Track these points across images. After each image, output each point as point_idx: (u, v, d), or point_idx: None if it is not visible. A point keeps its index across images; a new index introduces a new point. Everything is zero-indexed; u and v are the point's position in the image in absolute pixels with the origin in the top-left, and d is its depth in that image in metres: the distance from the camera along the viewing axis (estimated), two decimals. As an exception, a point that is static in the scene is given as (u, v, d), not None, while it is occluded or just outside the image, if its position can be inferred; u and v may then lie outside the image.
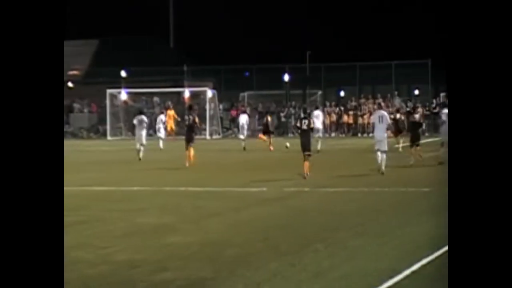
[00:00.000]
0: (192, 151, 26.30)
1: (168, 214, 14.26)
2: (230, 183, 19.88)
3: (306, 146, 21.57)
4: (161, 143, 37.51)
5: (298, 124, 22.28)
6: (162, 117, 40.36)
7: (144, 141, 30.56)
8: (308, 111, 27.82)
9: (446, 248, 10.17)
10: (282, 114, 53.74)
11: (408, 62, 53.08)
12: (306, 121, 21.83)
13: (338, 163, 25.59)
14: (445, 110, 25.81)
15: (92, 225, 13.00)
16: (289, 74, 56.76)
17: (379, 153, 22.28)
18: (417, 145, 25.64)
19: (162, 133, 39.40)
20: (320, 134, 35.94)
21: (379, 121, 22.75)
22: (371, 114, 50.27)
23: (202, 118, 51.89)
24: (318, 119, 35.30)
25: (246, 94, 59.81)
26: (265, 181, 20.08)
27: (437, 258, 9.76)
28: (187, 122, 27.66)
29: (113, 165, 27.84)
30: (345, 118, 54.05)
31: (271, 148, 34.21)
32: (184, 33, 73.50)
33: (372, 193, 17.35)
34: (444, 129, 24.65)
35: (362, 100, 53.37)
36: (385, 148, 22.28)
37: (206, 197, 17.00)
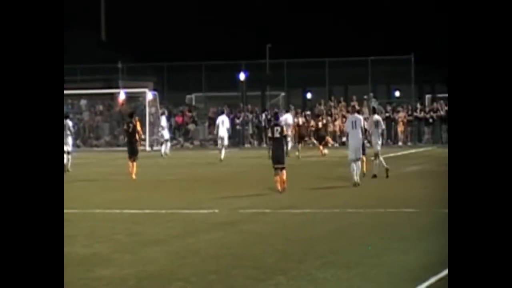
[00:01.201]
0: (135, 167, 27.43)
1: (99, 242, 14.21)
2: (175, 204, 19.87)
3: (279, 158, 21.94)
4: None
5: (270, 133, 22.70)
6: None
7: (70, 149, 31.16)
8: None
9: (431, 280, 10.35)
10: (237, 121, 53.86)
11: (387, 58, 53.43)
12: (279, 128, 22.22)
13: (305, 179, 25.75)
14: (376, 116, 27.18)
15: (6, 256, 12.90)
16: (246, 72, 56.83)
17: (353, 164, 23.26)
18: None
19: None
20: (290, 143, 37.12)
21: (353, 126, 23.62)
22: (344, 119, 50.81)
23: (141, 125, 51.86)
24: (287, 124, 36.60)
25: (193, 96, 59.81)
26: (216, 201, 20.12)
27: (421, 292, 9.92)
28: (126, 129, 28.50)
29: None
30: (312, 125, 54.36)
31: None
32: (118, 23, 73.12)
33: (344, 215, 17.51)
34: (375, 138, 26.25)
35: (332, 103, 53.72)
36: (360, 155, 23.77)
37: (145, 221, 16.98)
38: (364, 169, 25.24)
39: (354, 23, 72.53)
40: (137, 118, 44.07)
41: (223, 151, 36.71)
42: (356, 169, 23.30)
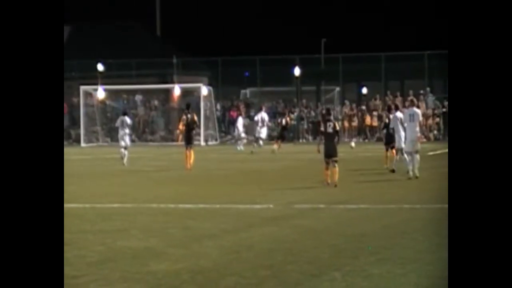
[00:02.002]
0: (192, 154, 29.48)
1: (153, 236, 14.29)
2: (229, 199, 19.92)
3: (331, 152, 22.59)
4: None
5: (322, 128, 23.28)
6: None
7: (128, 143, 32.86)
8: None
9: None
10: (292, 116, 53.79)
11: (444, 52, 52.83)
12: (331, 124, 22.90)
13: (360, 175, 25.61)
14: (398, 114, 27.17)
15: (61, 249, 13.03)
16: (301, 67, 56.69)
17: (406, 156, 24.26)
18: (392, 147, 27.48)
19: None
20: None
21: (410, 119, 24.59)
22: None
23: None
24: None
25: (248, 91, 59.89)
26: (270, 196, 20.13)
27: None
28: (184, 122, 30.53)
29: (88, 177, 27.91)
30: (367, 120, 54.09)
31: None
32: (173, 18, 73.56)
33: (399, 211, 17.38)
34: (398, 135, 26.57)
35: (389, 98, 53.36)
36: (418, 147, 24.38)
37: (199, 216, 17.03)
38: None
39: (410, 16, 71.94)
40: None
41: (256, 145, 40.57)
42: (412, 162, 23.98)
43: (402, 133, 26.05)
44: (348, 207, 18.24)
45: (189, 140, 30.20)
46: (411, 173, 24.01)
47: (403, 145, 25.87)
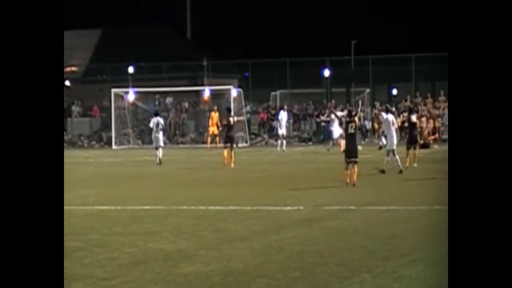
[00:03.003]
0: (232, 154, 31.84)
1: (184, 238, 14.35)
2: (259, 201, 19.93)
3: (352, 152, 23.03)
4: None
5: (344, 127, 24.15)
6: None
7: (161, 143, 34.72)
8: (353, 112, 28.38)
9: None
10: (322, 118, 53.71)
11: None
12: (353, 124, 23.39)
13: (391, 176, 25.52)
14: (390, 116, 28.00)
15: (93, 251, 13.12)
16: (330, 68, 56.62)
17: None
18: (415, 147, 29.28)
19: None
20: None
21: None
22: (430, 117, 50.17)
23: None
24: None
25: (278, 93, 59.85)
26: (301, 197, 20.13)
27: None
28: (226, 123, 33.65)
29: (119, 179, 28.06)
30: (397, 121, 53.88)
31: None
32: (203, 21, 73.77)
33: (430, 212, 17.28)
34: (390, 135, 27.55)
35: (418, 99, 53.11)
36: None
37: (229, 218, 17.06)
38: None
39: (440, 17, 71.60)
40: (215, 110, 46.59)
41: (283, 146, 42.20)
42: None
43: (394, 135, 27.15)
44: (378, 208, 18.18)
45: (231, 140, 32.71)
46: None
47: (394, 147, 26.78)
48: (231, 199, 20.47)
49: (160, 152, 34.05)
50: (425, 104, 52.46)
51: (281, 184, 24.53)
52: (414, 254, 12.17)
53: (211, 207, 18.92)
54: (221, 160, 32.66)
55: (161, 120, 35.54)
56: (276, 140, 47.37)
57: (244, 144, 51.17)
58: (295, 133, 54.78)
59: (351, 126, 23.35)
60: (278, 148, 43.30)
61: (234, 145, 33.17)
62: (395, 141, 26.96)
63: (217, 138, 50.82)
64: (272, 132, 54.78)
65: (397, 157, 26.58)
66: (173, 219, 16.98)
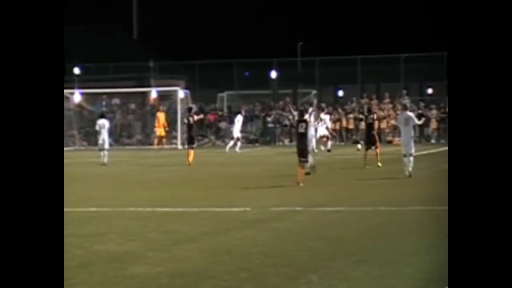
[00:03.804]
0: (192, 154, 32.74)
1: (131, 240, 14.30)
2: (207, 202, 19.93)
3: (302, 152, 23.57)
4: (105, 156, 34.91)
5: (295, 127, 24.78)
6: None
7: (107, 146, 34.51)
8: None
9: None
10: (269, 119, 53.85)
11: (419, 55, 53.12)
12: (303, 124, 23.78)
13: (338, 177, 25.72)
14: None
15: (39, 254, 13.01)
16: (277, 70, 56.81)
17: (405, 159, 25.47)
18: (369, 148, 29.87)
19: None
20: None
21: (405, 123, 25.87)
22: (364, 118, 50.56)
23: (172, 124, 52.13)
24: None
25: (225, 94, 59.89)
26: (248, 199, 20.17)
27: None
28: (186, 123, 34.38)
29: (65, 181, 27.81)
30: (343, 122, 54.21)
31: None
32: (150, 22, 73.46)
33: (376, 213, 17.46)
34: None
35: (364, 101, 53.55)
36: (412, 151, 25.52)
37: (177, 219, 17.04)
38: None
39: (387, 20, 72.23)
40: (161, 111, 46.78)
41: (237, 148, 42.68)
42: (407, 163, 25.31)
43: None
44: (326, 209, 18.31)
45: (191, 140, 33.62)
46: (407, 173, 25.24)
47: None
48: (179, 201, 20.45)
49: (105, 155, 33.94)
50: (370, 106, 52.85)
51: (229, 185, 24.57)
52: (360, 254, 12.29)
53: (158, 209, 18.87)
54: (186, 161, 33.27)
55: (106, 122, 35.45)
56: (224, 141, 47.40)
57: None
58: (242, 134, 54.81)
59: (301, 126, 23.74)
60: (227, 149, 43.22)
61: (194, 145, 33.88)
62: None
63: (164, 140, 50.74)
64: (219, 133, 54.82)
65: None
66: (121, 221, 16.91)
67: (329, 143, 41.16)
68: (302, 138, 23.96)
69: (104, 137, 34.35)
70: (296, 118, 24.56)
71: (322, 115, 40.64)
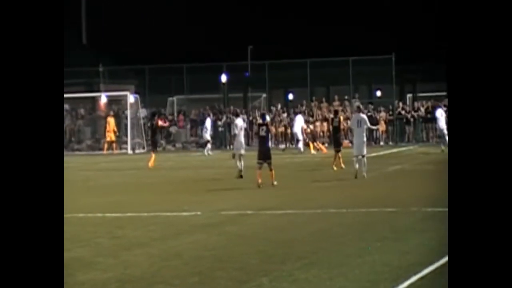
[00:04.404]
0: (153, 157, 33.92)
1: (80, 246, 14.19)
2: (157, 207, 19.86)
3: (265, 154, 24.27)
4: None
5: (256, 131, 25.93)
6: None
7: None
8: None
9: (411, 279, 10.41)
10: (219, 123, 53.81)
11: (368, 58, 53.51)
12: (264, 127, 24.76)
13: (288, 180, 25.78)
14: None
15: (-13, 262, 12.85)
16: (227, 74, 56.84)
17: (355, 159, 25.74)
18: (339, 151, 29.74)
19: None
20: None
21: (358, 125, 26.17)
22: (324, 120, 50.87)
23: (122, 129, 51.85)
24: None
25: (175, 98, 59.71)
26: (199, 203, 20.14)
27: (402, 291, 9.96)
28: (150, 126, 37.05)
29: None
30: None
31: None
32: (98, 26, 73.02)
33: (326, 216, 17.55)
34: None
35: (313, 103, 53.81)
36: (364, 152, 25.80)
37: (127, 225, 16.96)
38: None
39: (335, 23, 72.67)
40: (111, 116, 46.90)
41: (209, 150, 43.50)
42: (359, 165, 25.58)
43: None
44: (276, 212, 18.36)
45: (155, 144, 35.57)
46: (362, 174, 25.44)
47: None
48: (128, 206, 20.33)
49: None
50: (320, 108, 53.16)
51: (180, 189, 24.51)
52: (310, 257, 12.34)
53: (108, 214, 18.76)
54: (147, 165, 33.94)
55: None
56: (175, 146, 47.29)
57: (141, 150, 50.84)
58: (192, 138, 54.71)
59: (262, 129, 24.64)
60: (206, 153, 43.56)
61: (157, 148, 35.44)
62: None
63: (114, 144, 50.46)
64: (170, 138, 54.65)
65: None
66: (70, 227, 16.69)
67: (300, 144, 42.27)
68: (263, 141, 24.65)
69: None
70: (259, 122, 25.29)
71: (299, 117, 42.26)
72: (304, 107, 52.77)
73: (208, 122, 46.88)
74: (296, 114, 47.40)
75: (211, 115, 51.45)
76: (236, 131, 27.89)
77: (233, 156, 27.72)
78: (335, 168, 29.25)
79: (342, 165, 29.24)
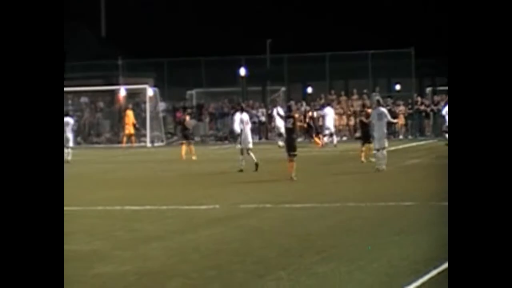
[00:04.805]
0: (192, 149, 35.00)
1: (99, 239, 14.21)
2: (175, 200, 19.87)
3: (291, 146, 24.34)
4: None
5: (284, 124, 25.83)
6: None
7: (71, 143, 34.91)
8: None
9: (430, 274, 10.35)
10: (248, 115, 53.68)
11: (387, 52, 53.30)
12: (291, 120, 24.68)
13: (306, 173, 25.73)
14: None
15: (6, 254, 12.88)
16: (246, 67, 56.78)
17: (376, 152, 26.21)
18: (369, 143, 29.42)
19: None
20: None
21: (379, 118, 26.51)
22: (343, 114, 50.76)
23: (140, 121, 51.93)
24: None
25: (194, 92, 59.71)
26: (217, 196, 20.14)
27: (421, 285, 9.89)
28: (180, 122, 38.30)
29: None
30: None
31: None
32: (118, 19, 73.12)
33: (345, 209, 17.50)
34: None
35: (333, 97, 53.67)
36: (385, 145, 26.35)
37: (145, 218, 16.97)
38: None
39: (355, 16, 72.46)
40: (130, 109, 47.52)
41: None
42: (381, 157, 26.00)
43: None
44: (294, 206, 18.31)
45: (186, 137, 35.94)
46: (382, 167, 25.81)
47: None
48: (147, 199, 20.35)
49: (69, 152, 33.93)
50: (339, 102, 53.05)
51: (198, 182, 24.51)
52: (328, 251, 12.30)
53: (127, 207, 18.78)
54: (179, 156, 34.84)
55: (70, 120, 36.23)
56: (194, 139, 47.31)
57: (160, 143, 50.92)
58: (211, 132, 54.75)
59: (289, 122, 24.66)
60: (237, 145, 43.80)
61: (187, 141, 35.74)
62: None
63: (133, 137, 50.55)
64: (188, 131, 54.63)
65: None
66: (88, 220, 16.80)
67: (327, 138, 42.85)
68: (290, 133, 24.68)
69: (68, 135, 34.64)
70: (285, 114, 25.53)
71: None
72: (322, 100, 52.62)
73: (237, 116, 46.80)
74: (324, 106, 47.40)
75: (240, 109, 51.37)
76: (242, 126, 28.22)
77: (241, 151, 27.67)
78: (364, 160, 29.10)
79: (371, 159, 28.83)
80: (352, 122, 51.41)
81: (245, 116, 28.88)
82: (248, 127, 28.33)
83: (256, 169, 26.69)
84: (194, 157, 34.43)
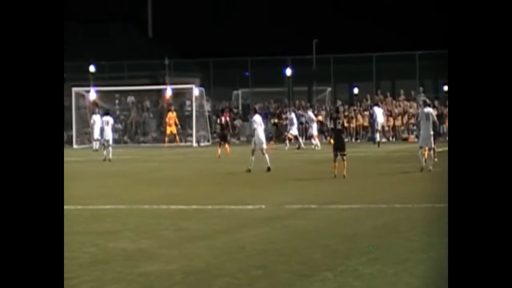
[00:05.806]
0: (227, 148, 37.26)
1: (145, 237, 14.28)
2: (221, 200, 19.91)
3: (340, 146, 25.02)
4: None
5: (332, 125, 26.83)
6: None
7: (111, 141, 36.50)
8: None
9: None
10: (284, 117, 53.75)
11: (434, 52, 52.92)
12: (340, 121, 25.71)
13: (353, 174, 25.65)
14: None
15: (53, 251, 12.99)
16: (292, 67, 56.74)
17: (423, 151, 26.29)
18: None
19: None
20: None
21: (426, 118, 26.66)
22: (390, 115, 50.44)
23: (186, 121, 52.19)
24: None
25: (240, 92, 59.90)
26: (263, 196, 20.13)
27: None
28: (219, 122, 39.69)
29: (79, 178, 27.86)
30: (359, 120, 54.11)
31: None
32: (165, 19, 73.54)
33: (390, 210, 17.39)
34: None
35: (379, 97, 53.41)
36: (433, 145, 26.53)
37: (191, 217, 17.02)
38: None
39: (402, 17, 72.07)
40: (172, 111, 48.40)
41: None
42: (426, 157, 26.22)
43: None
44: (340, 207, 18.24)
45: (224, 138, 38.03)
46: (429, 167, 25.96)
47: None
48: (192, 198, 20.42)
49: (110, 151, 34.93)
50: (385, 103, 52.80)
51: (243, 182, 24.55)
52: (375, 252, 12.22)
53: (172, 206, 18.85)
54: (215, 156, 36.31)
55: (110, 119, 37.78)
56: (239, 139, 47.40)
57: (206, 143, 51.10)
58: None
59: (338, 123, 25.46)
60: (300, 147, 44.82)
61: (226, 142, 38.09)
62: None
63: (177, 137, 50.87)
64: (234, 131, 54.82)
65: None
66: (134, 218, 16.89)
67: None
68: (339, 134, 25.39)
69: (108, 134, 35.98)
70: (332, 115, 26.11)
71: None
72: (368, 101, 52.39)
73: (294, 117, 47.62)
74: (372, 105, 47.73)
75: (296, 110, 51.87)
76: (255, 126, 28.81)
77: (253, 152, 27.97)
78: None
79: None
80: (398, 123, 51.11)
81: (257, 117, 29.60)
82: (260, 129, 29.01)
83: (268, 170, 27.27)
84: (227, 152, 36.41)
